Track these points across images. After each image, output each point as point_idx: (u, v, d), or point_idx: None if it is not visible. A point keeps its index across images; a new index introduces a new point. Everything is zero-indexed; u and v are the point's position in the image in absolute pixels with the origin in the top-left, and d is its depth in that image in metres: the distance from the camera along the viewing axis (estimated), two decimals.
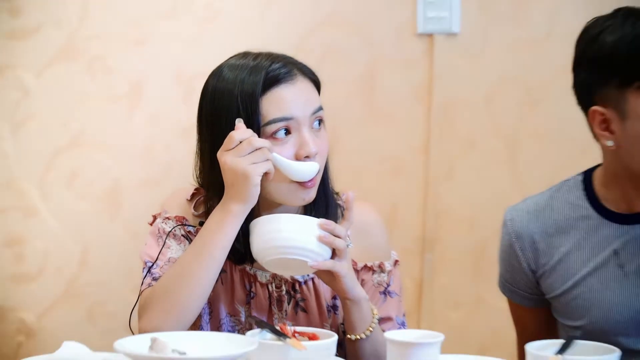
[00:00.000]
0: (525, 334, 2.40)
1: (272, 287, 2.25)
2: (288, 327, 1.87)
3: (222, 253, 1.99)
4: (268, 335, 1.78)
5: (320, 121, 2.09)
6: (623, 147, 2.07)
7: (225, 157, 1.92)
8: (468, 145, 3.31)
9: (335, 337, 1.77)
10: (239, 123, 1.96)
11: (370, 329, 2.05)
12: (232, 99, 2.03)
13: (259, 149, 1.92)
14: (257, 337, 1.73)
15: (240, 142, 1.92)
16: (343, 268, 1.97)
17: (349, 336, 2.07)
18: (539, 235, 2.34)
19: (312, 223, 1.96)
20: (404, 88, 3.19)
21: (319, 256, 1.93)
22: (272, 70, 2.04)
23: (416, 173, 3.27)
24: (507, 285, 2.45)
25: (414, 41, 3.20)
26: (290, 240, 1.95)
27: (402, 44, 3.21)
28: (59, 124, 3.43)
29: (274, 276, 2.23)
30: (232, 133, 1.92)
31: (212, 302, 2.22)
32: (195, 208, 2.24)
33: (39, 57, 3.43)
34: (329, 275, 2.00)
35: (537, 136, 3.24)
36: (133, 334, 1.90)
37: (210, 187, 2.12)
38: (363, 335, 2.05)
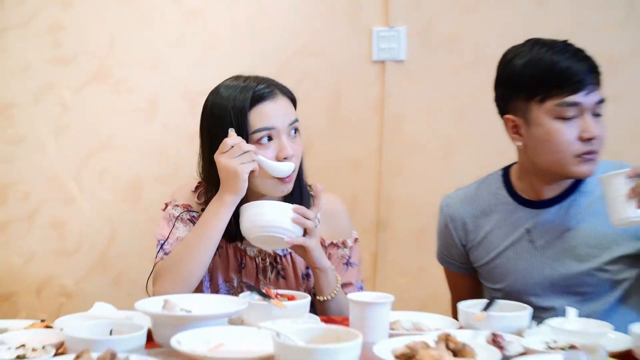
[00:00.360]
0: (457, 295, 2.81)
1: (258, 259, 2.67)
2: (272, 291, 2.29)
3: (218, 233, 2.42)
4: (256, 297, 2.19)
5: (296, 130, 2.56)
6: (529, 147, 2.50)
7: (220, 158, 2.34)
8: (412, 148, 3.48)
9: (309, 298, 2.23)
10: (231, 132, 2.37)
11: (335, 292, 2.50)
12: (227, 112, 2.46)
13: (247, 152, 2.34)
14: (247, 299, 2.15)
15: (232, 147, 2.34)
16: (312, 243, 2.42)
17: (318, 298, 2.51)
18: (468, 217, 2.75)
19: (288, 208, 2.39)
20: (363, 103, 3.43)
21: (293, 234, 2.37)
22: (258, 90, 2.48)
23: (372, 170, 3.51)
24: (444, 257, 2.93)
25: (370, 67, 3.42)
26: (271, 221, 2.37)
27: (361, 69, 3.42)
28: (91, 131, 3.62)
29: (260, 251, 2.67)
30: (225, 139, 2.34)
31: (211, 272, 2.66)
32: (198, 198, 2.67)
33: (76, 79, 3.62)
34: (301, 249, 2.45)
35: (467, 141, 3.44)
36: (149, 296, 2.25)
37: (209, 181, 2.56)
38: (329, 297, 2.50)
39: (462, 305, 2.20)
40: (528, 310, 2.16)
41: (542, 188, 2.56)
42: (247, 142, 2.40)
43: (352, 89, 3.45)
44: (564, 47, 2.46)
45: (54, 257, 3.48)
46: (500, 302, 2.25)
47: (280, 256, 2.66)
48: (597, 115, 2.41)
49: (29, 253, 3.42)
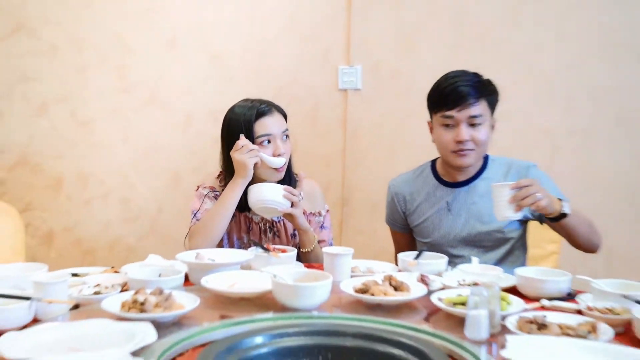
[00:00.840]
0: (399, 248, 2.79)
1: (261, 224, 2.67)
2: (270, 246, 2.34)
3: (233, 205, 2.44)
4: (259, 250, 2.22)
5: (287, 136, 2.59)
6: (435, 144, 2.55)
7: (234, 154, 2.39)
8: (366, 151, 3.43)
9: (295, 251, 2.30)
10: (242, 136, 2.43)
11: (313, 246, 2.53)
12: (239, 123, 2.51)
13: (252, 150, 2.40)
14: (253, 252, 2.21)
15: (242, 146, 2.40)
16: (297, 212, 2.45)
17: (302, 250, 2.54)
18: (407, 194, 2.72)
19: (280, 188, 2.40)
20: (332, 119, 3.39)
21: (284, 206, 2.39)
22: (261, 108, 2.53)
23: (338, 165, 3.48)
24: (390, 221, 2.86)
25: (337, 94, 3.39)
26: (269, 197, 2.38)
27: (330, 95, 3.38)
28: (146, 138, 3.54)
29: (262, 218, 2.66)
30: (238, 142, 2.41)
31: (229, 233, 2.64)
32: (220, 182, 2.66)
33: (136, 103, 3.52)
34: (290, 216, 2.48)
35: (405, 145, 3.38)
36: (186, 250, 2.27)
37: (227, 171, 2.57)
38: (309, 249, 2.54)
39: (401, 255, 2.27)
40: (445, 259, 2.24)
41: (455, 174, 2.56)
42: (253, 143, 2.43)
43: (324, 108, 3.20)
44: (455, 76, 2.45)
45: (121, 224, 3.41)
46: (426, 253, 2.30)
47: (275, 222, 2.66)
48: (473, 125, 2.40)
49: (105, 221, 3.37)
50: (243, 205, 2.54)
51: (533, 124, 3.15)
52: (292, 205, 2.42)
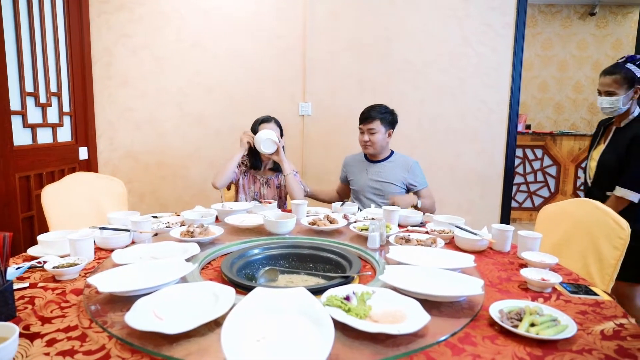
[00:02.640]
0: (341, 193, 2.61)
1: (261, 180, 2.41)
2: (264, 200, 2.30)
3: (233, 160, 2.27)
4: (257, 202, 2.09)
5: (278, 136, 2.29)
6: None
7: (240, 136, 2.29)
8: (316, 152, 3.20)
9: (276, 202, 2.10)
10: (247, 130, 2.34)
11: (288, 173, 2.26)
12: (254, 125, 2.35)
13: (247, 134, 2.28)
14: (254, 203, 2.08)
15: (243, 133, 2.29)
16: (280, 155, 2.27)
17: (284, 174, 2.29)
18: (349, 163, 2.51)
19: (273, 133, 2.25)
20: (295, 134, 3.14)
21: (275, 143, 2.23)
22: (263, 119, 2.36)
23: (300, 160, 3.20)
24: (342, 178, 2.58)
25: (298, 118, 3.16)
26: (268, 137, 2.21)
27: (294, 119, 3.15)
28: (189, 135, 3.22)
29: (262, 176, 2.42)
30: (244, 131, 2.31)
31: (243, 185, 2.41)
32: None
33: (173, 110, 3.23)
34: (277, 156, 2.28)
35: (339, 146, 3.15)
36: (215, 187, 2.25)
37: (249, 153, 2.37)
38: (287, 174, 2.27)
39: (333, 205, 2.11)
40: (357, 206, 2.12)
41: (374, 156, 2.41)
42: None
43: (290, 128, 3.05)
44: (367, 107, 2.36)
45: (181, 189, 3.25)
46: (347, 202, 2.18)
47: (269, 178, 2.42)
48: (370, 133, 2.31)
49: (172, 188, 3.24)
50: (250, 166, 2.42)
51: (400, 132, 3.10)
52: (277, 150, 2.28)
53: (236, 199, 2.49)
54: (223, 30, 3.12)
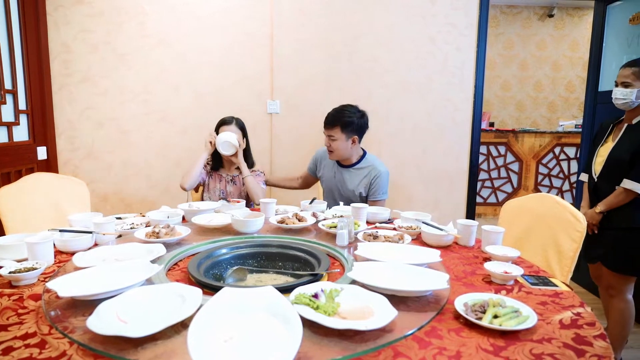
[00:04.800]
0: (306, 184, 2.65)
1: (227, 178, 2.38)
2: (231, 199, 2.25)
3: (198, 163, 2.27)
4: (224, 201, 2.06)
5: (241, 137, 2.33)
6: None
7: (205, 137, 2.31)
8: (284, 147, 3.16)
9: (244, 201, 2.06)
10: (212, 131, 2.33)
11: (249, 177, 2.27)
12: (217, 127, 2.33)
13: (211, 134, 2.29)
14: (221, 202, 2.03)
15: (209, 134, 2.29)
16: (238, 157, 2.28)
17: (243, 177, 2.29)
18: (321, 158, 2.47)
19: (234, 135, 2.26)
20: (264, 130, 3.12)
21: (235, 144, 2.25)
22: (223, 120, 2.34)
23: (268, 156, 3.16)
24: (309, 168, 2.56)
25: (266, 116, 3.12)
26: (226, 139, 2.23)
27: (262, 116, 3.11)
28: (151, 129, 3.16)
29: (227, 175, 2.40)
30: (209, 133, 2.30)
31: (209, 185, 2.40)
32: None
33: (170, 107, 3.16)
34: (236, 158, 2.28)
35: (304, 142, 3.13)
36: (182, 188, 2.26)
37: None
38: (248, 178, 2.27)
39: (302, 202, 2.10)
40: (325, 204, 2.07)
41: (344, 161, 2.34)
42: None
43: (259, 124, 3.03)
44: (335, 109, 2.28)
45: (146, 189, 3.17)
46: (316, 200, 2.11)
47: (234, 176, 2.40)
48: (331, 139, 2.25)
49: (137, 188, 3.15)
50: (215, 167, 2.41)
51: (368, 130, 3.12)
52: (236, 153, 2.29)
53: (201, 199, 2.47)
54: (189, 26, 3.06)
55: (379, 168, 2.31)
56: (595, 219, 2.09)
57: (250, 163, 2.43)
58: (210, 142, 2.30)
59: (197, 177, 2.30)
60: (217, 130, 2.35)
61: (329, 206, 2.19)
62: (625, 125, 2.11)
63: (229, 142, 2.27)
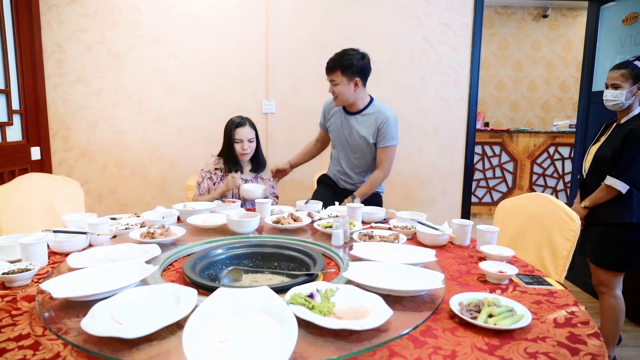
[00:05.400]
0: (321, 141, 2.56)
1: (242, 182, 2.23)
2: (227, 199, 2.16)
3: (214, 197, 2.19)
4: (220, 202, 2.08)
5: (250, 140, 2.25)
6: None
7: (228, 179, 2.18)
8: (279, 144, 3.14)
9: (239, 202, 2.06)
10: (235, 174, 2.20)
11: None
12: (228, 129, 2.24)
13: (234, 181, 2.16)
14: (217, 202, 2.06)
15: (232, 178, 2.17)
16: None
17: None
18: (327, 108, 2.42)
19: (261, 188, 2.15)
20: (259, 131, 2.67)
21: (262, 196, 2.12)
22: (237, 122, 2.24)
23: (265, 147, 2.98)
24: (321, 124, 2.50)
25: (262, 116, 3.11)
26: (255, 195, 2.11)
27: (258, 117, 3.08)
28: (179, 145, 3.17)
29: (243, 179, 2.28)
30: (232, 176, 2.18)
31: (208, 186, 2.29)
32: (214, 163, 2.30)
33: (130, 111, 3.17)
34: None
35: (298, 138, 2.81)
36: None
37: (225, 155, 2.27)
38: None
39: (297, 202, 2.05)
40: (320, 204, 2.05)
41: (351, 107, 2.30)
42: (233, 143, 2.24)
43: (256, 124, 3.18)
44: (335, 54, 2.25)
45: (141, 189, 3.15)
46: (311, 200, 2.09)
47: (247, 180, 2.29)
48: (333, 84, 2.21)
49: (132, 188, 3.14)
50: (231, 170, 2.30)
51: None
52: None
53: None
54: (184, 26, 3.05)
55: (386, 113, 2.26)
56: (581, 214, 2.13)
57: (262, 162, 2.40)
58: (233, 188, 2.22)
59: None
60: (230, 134, 2.28)
61: (339, 159, 2.26)
62: (615, 124, 2.16)
63: (258, 197, 2.14)
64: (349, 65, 2.18)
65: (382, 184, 2.45)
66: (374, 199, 2.38)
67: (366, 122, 2.29)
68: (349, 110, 2.33)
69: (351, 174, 2.40)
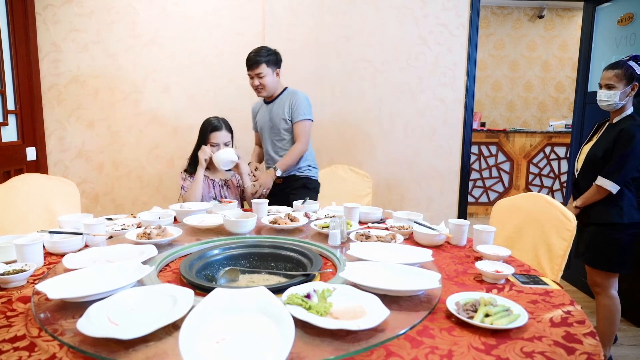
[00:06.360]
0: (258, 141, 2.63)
1: (220, 183, 2.33)
2: (224, 199, 2.23)
3: (200, 181, 2.21)
4: (216, 202, 2.09)
5: (226, 144, 2.28)
6: None
7: (199, 153, 2.22)
8: None
9: (236, 202, 2.10)
10: (205, 147, 2.24)
11: (250, 187, 2.28)
12: (204, 130, 2.28)
13: (205, 151, 2.21)
14: (213, 202, 2.06)
15: (202, 150, 2.22)
16: (240, 168, 2.27)
17: (246, 187, 2.31)
18: (254, 110, 2.53)
19: (232, 151, 2.22)
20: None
21: (234, 160, 2.21)
22: (213, 126, 2.26)
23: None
24: (254, 127, 2.58)
25: None
26: (227, 158, 2.19)
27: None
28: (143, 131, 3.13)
29: (221, 179, 2.35)
30: (202, 148, 2.23)
31: (204, 192, 2.30)
32: (189, 166, 2.32)
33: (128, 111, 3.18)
34: (238, 169, 2.30)
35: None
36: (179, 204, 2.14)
37: (192, 157, 2.31)
38: (247, 186, 2.28)
39: (294, 203, 2.08)
40: (318, 204, 2.07)
41: (270, 97, 2.41)
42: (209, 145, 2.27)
43: (249, 127, 3.09)
44: (253, 51, 2.33)
45: (138, 189, 3.14)
46: (308, 200, 2.10)
47: (226, 180, 2.36)
48: (259, 77, 2.31)
49: (128, 188, 3.12)
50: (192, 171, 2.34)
51: (359, 130, 3.11)
52: (236, 165, 2.29)
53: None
54: (180, 26, 3.04)
55: (297, 93, 2.42)
56: (573, 213, 2.15)
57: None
58: (205, 159, 2.25)
59: (200, 193, 2.25)
60: (205, 135, 2.30)
61: (267, 148, 2.37)
62: (607, 124, 2.17)
63: (229, 160, 2.23)
64: (270, 57, 2.35)
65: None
66: (309, 185, 2.48)
67: (281, 104, 2.43)
68: (268, 100, 2.48)
69: (276, 157, 2.48)
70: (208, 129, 2.29)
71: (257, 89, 2.38)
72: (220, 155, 2.21)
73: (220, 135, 2.28)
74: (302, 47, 3.13)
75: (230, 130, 2.34)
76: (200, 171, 2.25)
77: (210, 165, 2.34)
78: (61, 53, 2.96)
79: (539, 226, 1.70)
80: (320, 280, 1.19)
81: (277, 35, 3.09)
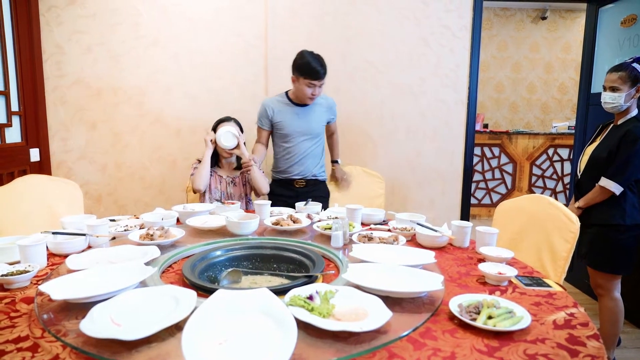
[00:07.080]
0: (260, 140, 2.55)
1: (227, 180, 2.37)
2: (226, 201, 2.23)
3: (206, 162, 2.26)
4: (219, 203, 2.07)
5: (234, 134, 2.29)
6: (298, 91, 2.33)
7: (204, 137, 2.30)
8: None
9: (239, 203, 2.08)
10: (208, 129, 2.41)
11: (255, 168, 2.29)
12: (214, 127, 2.37)
13: (209, 132, 2.32)
14: (216, 204, 2.05)
15: (206, 133, 2.35)
16: (241, 149, 2.30)
17: (242, 162, 2.33)
18: (270, 107, 2.43)
19: (233, 128, 2.29)
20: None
21: (236, 139, 2.27)
22: (222, 119, 2.38)
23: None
24: (265, 124, 2.48)
25: None
26: (227, 130, 2.27)
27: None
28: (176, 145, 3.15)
29: (227, 176, 2.39)
30: (206, 132, 2.38)
31: (209, 185, 2.34)
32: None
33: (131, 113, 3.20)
34: (239, 150, 2.30)
35: None
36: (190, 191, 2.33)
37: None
38: (254, 167, 2.28)
39: (297, 204, 2.07)
40: (320, 205, 2.07)
41: (301, 100, 2.38)
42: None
43: (253, 128, 2.94)
44: (318, 63, 2.30)
45: (140, 190, 3.14)
46: (310, 202, 2.12)
47: (234, 177, 2.40)
48: (320, 86, 2.33)
49: (131, 189, 3.14)
50: (214, 164, 2.41)
51: (361, 131, 3.11)
52: (238, 144, 2.32)
53: (202, 201, 2.44)
54: (183, 28, 3.05)
55: (329, 98, 2.60)
56: (575, 214, 2.15)
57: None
58: (211, 140, 2.31)
59: (208, 175, 2.30)
60: (214, 129, 2.38)
61: (295, 151, 2.40)
62: (611, 126, 2.17)
63: (230, 132, 2.28)
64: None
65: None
66: (321, 187, 2.57)
67: (322, 109, 2.52)
68: (300, 103, 2.48)
69: (306, 160, 2.50)
70: (217, 122, 2.40)
71: (312, 97, 2.40)
72: (220, 130, 2.30)
73: (228, 125, 2.35)
74: (303, 48, 3.09)
75: (239, 125, 2.42)
76: (207, 153, 2.30)
77: (220, 163, 2.41)
78: (65, 55, 2.97)
79: (542, 228, 1.69)
80: (322, 281, 1.19)
81: (278, 37, 3.10)
